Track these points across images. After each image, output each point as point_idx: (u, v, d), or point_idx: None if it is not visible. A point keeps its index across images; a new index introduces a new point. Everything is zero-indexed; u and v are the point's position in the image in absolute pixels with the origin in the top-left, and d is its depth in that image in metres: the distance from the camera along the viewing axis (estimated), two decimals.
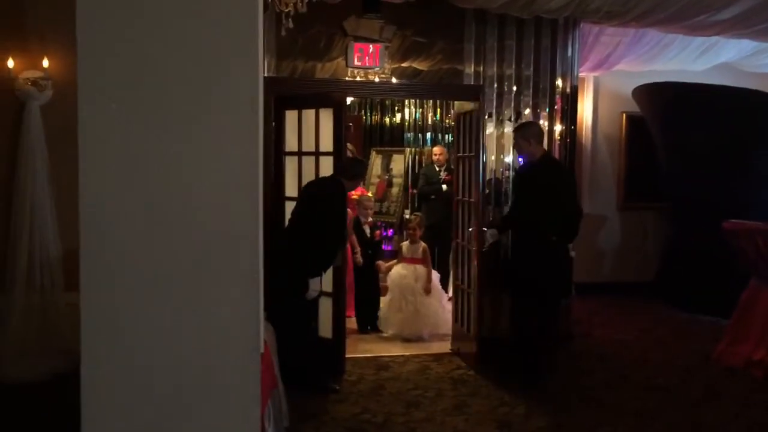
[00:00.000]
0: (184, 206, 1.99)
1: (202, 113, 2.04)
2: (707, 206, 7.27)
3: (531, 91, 6.45)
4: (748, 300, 5.93)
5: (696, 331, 6.99)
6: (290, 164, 5.84)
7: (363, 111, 10.09)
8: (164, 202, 1.99)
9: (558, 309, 5.66)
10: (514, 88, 6.40)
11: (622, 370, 5.72)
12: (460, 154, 6.22)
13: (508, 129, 6.29)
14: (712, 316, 7.03)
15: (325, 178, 5.37)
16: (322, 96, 5.64)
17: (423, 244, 6.79)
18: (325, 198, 5.10)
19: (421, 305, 6.57)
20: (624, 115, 8.76)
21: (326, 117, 5.61)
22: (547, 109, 6.49)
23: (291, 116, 5.82)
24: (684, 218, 7.92)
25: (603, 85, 8.70)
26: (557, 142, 6.53)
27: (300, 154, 5.77)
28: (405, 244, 6.83)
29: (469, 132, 6.04)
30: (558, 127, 6.54)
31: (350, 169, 5.29)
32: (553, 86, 6.50)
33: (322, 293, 5.34)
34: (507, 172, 6.39)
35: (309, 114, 5.73)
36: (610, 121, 8.81)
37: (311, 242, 4.98)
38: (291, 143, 5.83)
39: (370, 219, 6.89)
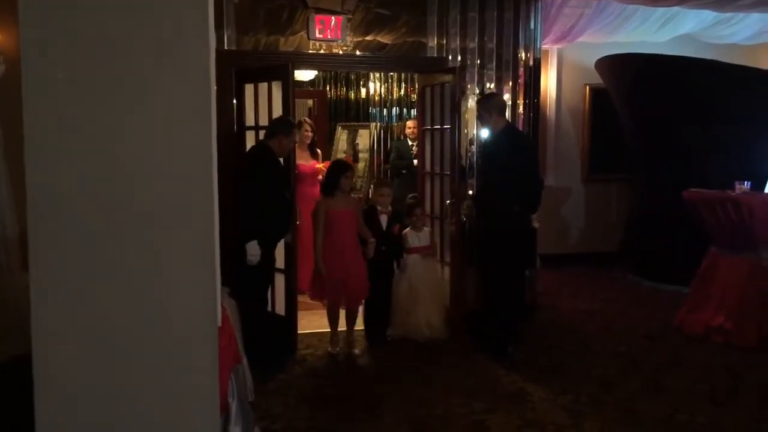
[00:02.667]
0: (134, 180, 1.94)
1: (152, 84, 1.98)
2: (669, 176, 7.36)
3: (494, 64, 6.43)
4: (707, 268, 6.04)
5: (659, 299, 7.10)
6: (250, 139, 5.78)
7: (327, 86, 9.99)
8: (114, 176, 1.94)
9: (523, 280, 5.71)
10: (478, 62, 6.38)
11: (586, 340, 5.80)
12: (428, 127, 6.18)
13: (472, 105, 6.29)
14: (674, 285, 7.14)
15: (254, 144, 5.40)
16: (272, 69, 5.58)
17: (427, 228, 6.05)
18: (242, 160, 5.21)
19: (432, 300, 5.80)
20: (587, 87, 8.80)
21: (278, 90, 5.56)
22: (511, 82, 6.48)
23: (249, 90, 5.76)
24: (647, 189, 8.01)
25: (566, 57, 8.73)
26: (521, 115, 6.53)
27: (257, 128, 5.71)
28: (408, 232, 5.88)
29: (441, 105, 6.04)
30: (522, 100, 6.54)
31: (270, 128, 5.20)
32: (517, 59, 6.49)
33: (274, 269, 5.33)
34: (471, 147, 6.38)
35: (263, 87, 5.67)
36: (573, 94, 8.85)
37: (235, 207, 4.95)
38: (250, 117, 5.77)
39: (389, 208, 5.76)
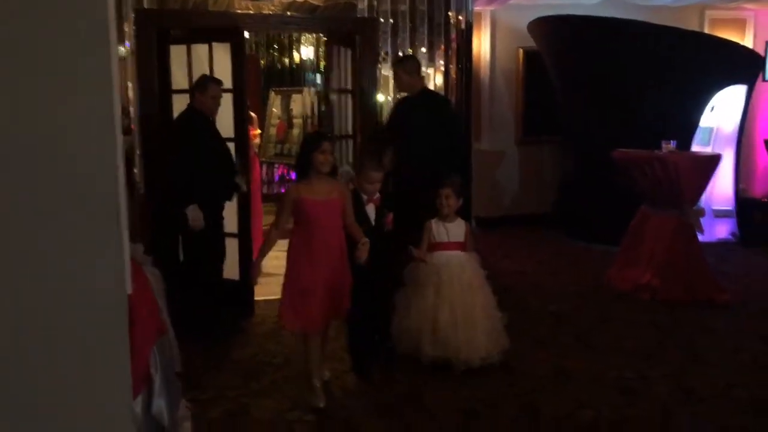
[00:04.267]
0: (30, 152, 1.79)
1: (45, 47, 1.82)
2: (598, 138, 7.45)
3: (426, 27, 6.33)
4: (636, 226, 6.16)
5: (590, 259, 7.24)
6: (181, 102, 5.57)
7: (259, 50, 9.76)
8: (8, 151, 1.78)
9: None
10: (409, 24, 6.28)
11: (519, 300, 5.86)
12: (337, 87, 6.09)
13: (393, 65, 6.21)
14: (605, 245, 7.29)
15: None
16: (216, 30, 5.39)
17: (460, 219, 4.63)
18: (171, 126, 5.03)
19: (471, 313, 4.35)
20: (521, 50, 8.81)
21: (221, 52, 5.39)
22: (443, 46, 6.40)
23: (178, 51, 5.53)
24: (577, 150, 8.11)
25: (499, 20, 8.71)
26: (454, 79, 6.47)
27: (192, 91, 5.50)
28: (434, 223, 4.54)
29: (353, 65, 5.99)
30: (454, 64, 6.48)
31: (193, 88, 5.04)
32: (448, 21, 6.41)
33: (224, 234, 5.21)
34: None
35: (200, 49, 5.47)
36: (507, 57, 8.85)
37: (171, 173, 4.91)
38: (180, 80, 5.55)
39: (377, 195, 4.29)
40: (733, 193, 7.95)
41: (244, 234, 5.48)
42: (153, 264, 3.57)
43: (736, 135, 7.90)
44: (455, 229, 4.53)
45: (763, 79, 8.48)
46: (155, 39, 5.44)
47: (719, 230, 7.88)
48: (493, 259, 7.25)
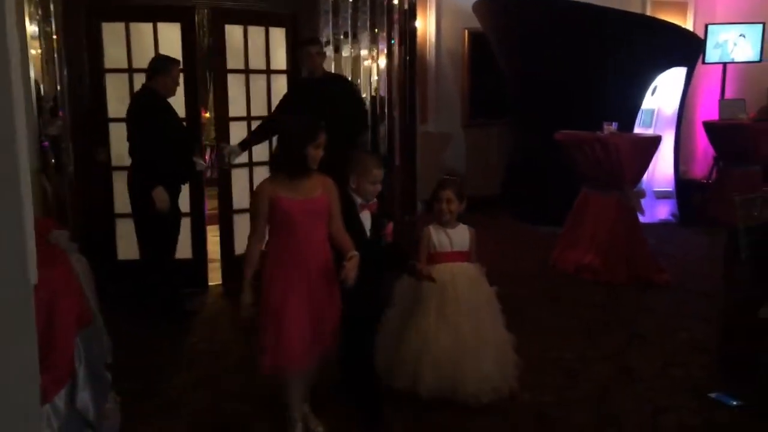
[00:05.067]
0: None
1: None
2: (543, 119, 7.45)
3: (368, 8, 6.19)
4: (579, 207, 6.20)
5: (536, 240, 7.26)
6: (115, 83, 5.37)
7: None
8: None
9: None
10: (351, 7, 6.12)
11: None
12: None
13: (347, 53, 6.09)
14: (552, 226, 7.30)
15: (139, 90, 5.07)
16: (163, 8, 5.31)
17: (463, 225, 3.88)
18: (129, 109, 4.87)
19: (481, 337, 3.66)
20: (466, 31, 8.76)
21: (174, 32, 5.34)
22: (386, 27, 6.28)
23: (112, 29, 5.32)
24: (523, 132, 8.13)
25: (445, 1, 8.63)
26: (397, 61, 6.35)
27: (131, 71, 5.32)
28: (432, 229, 3.80)
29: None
30: (398, 46, 6.36)
31: (149, 70, 4.87)
32: (391, 2, 6.30)
33: (180, 217, 5.11)
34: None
35: (141, 27, 5.32)
36: (453, 38, 8.80)
37: (132, 156, 4.85)
38: (114, 59, 5.35)
39: (374, 200, 3.49)
40: (673, 174, 8.07)
41: (197, 212, 5.48)
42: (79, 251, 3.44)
43: (677, 117, 8.01)
44: (458, 237, 3.79)
45: (703, 62, 8.61)
46: (84, 16, 5.22)
47: (660, 211, 8.00)
48: None
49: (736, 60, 8.90)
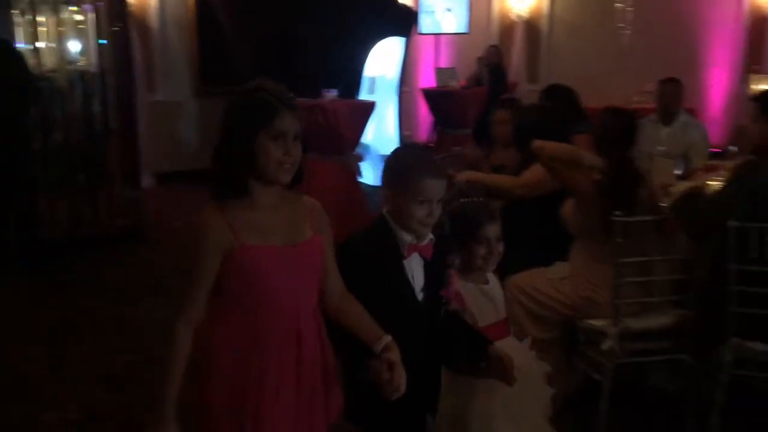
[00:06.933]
0: None
1: None
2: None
3: None
4: (308, 175, 6.32)
5: None
6: None
7: None
8: None
9: None
10: None
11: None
12: None
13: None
14: None
15: None
16: None
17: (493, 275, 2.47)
18: None
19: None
20: None
21: None
22: None
23: None
24: None
25: None
26: (106, 24, 5.97)
27: None
28: (466, 286, 2.31)
29: None
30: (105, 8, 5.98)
31: None
32: None
33: None
34: None
35: None
36: (177, 2, 8.49)
37: None
38: None
39: (430, 237, 2.05)
40: (397, 138, 8.58)
41: None
42: None
43: (398, 84, 8.51)
44: (497, 294, 2.41)
45: (418, 33, 9.19)
46: None
47: None
48: (169, 217, 7.01)
49: (446, 31, 9.59)
